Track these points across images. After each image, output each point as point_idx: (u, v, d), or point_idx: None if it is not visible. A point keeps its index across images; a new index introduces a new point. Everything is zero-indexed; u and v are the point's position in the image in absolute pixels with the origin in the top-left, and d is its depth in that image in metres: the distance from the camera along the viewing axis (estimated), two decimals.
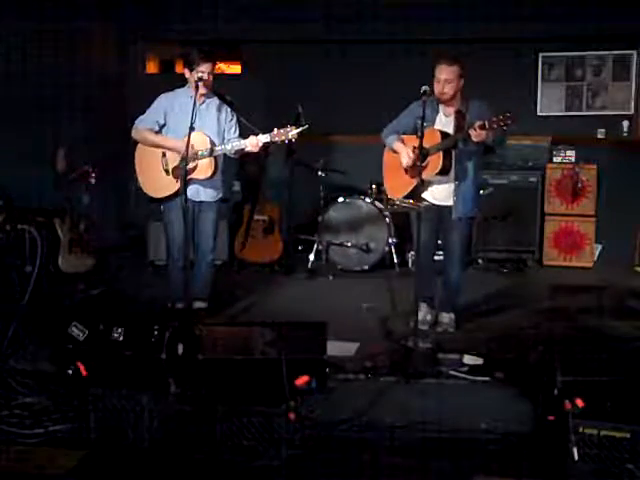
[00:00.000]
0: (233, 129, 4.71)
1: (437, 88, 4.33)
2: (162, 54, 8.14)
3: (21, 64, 5.69)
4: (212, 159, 4.50)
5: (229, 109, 4.72)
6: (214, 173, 4.55)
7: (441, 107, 4.45)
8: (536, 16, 6.62)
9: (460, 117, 4.41)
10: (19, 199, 5.03)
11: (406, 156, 4.48)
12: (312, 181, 6.62)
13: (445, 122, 4.42)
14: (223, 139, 4.66)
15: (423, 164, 4.14)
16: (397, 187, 4.56)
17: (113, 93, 7.15)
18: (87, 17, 6.67)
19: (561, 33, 6.83)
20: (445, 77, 4.31)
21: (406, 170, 4.52)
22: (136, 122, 4.68)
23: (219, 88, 4.74)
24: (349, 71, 7.03)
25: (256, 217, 6.53)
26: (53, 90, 6.01)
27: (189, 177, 4.29)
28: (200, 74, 4.42)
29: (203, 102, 4.60)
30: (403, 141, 4.56)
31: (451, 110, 4.44)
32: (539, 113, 7.16)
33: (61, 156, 5.81)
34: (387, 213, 6.17)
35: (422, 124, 4.05)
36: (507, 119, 4.02)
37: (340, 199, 6.41)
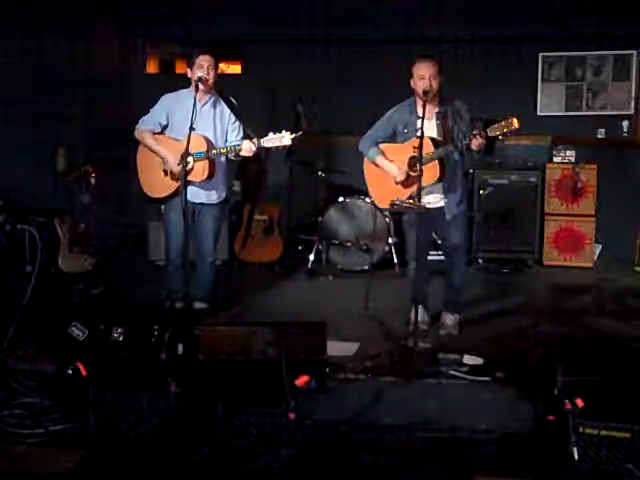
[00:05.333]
0: (236, 132, 4.70)
1: (422, 86, 4.20)
2: (162, 54, 8.14)
3: (21, 64, 5.69)
4: (207, 162, 4.48)
5: (232, 112, 4.71)
6: (210, 175, 4.52)
7: (419, 110, 4.27)
8: (536, 16, 6.62)
9: (444, 120, 4.34)
10: (19, 199, 5.03)
11: (397, 171, 4.39)
12: (312, 181, 6.63)
13: (427, 125, 4.23)
14: (225, 142, 4.65)
15: (417, 173, 4.04)
16: (388, 198, 4.28)
17: (113, 93, 7.15)
18: (87, 17, 6.67)
19: (561, 33, 6.83)
20: (430, 73, 4.22)
21: (397, 181, 4.46)
22: (139, 122, 4.69)
23: (221, 89, 4.75)
24: (349, 71, 7.03)
25: (256, 217, 6.53)
26: (53, 90, 6.01)
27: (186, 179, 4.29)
28: (200, 74, 4.43)
29: (205, 103, 4.60)
30: (385, 154, 4.50)
31: (432, 112, 4.32)
32: (539, 113, 7.16)
33: (61, 156, 5.81)
34: (387, 213, 6.16)
35: (422, 126, 4.04)
36: (510, 125, 3.94)
37: (340, 199, 6.41)
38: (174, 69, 8.18)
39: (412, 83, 4.32)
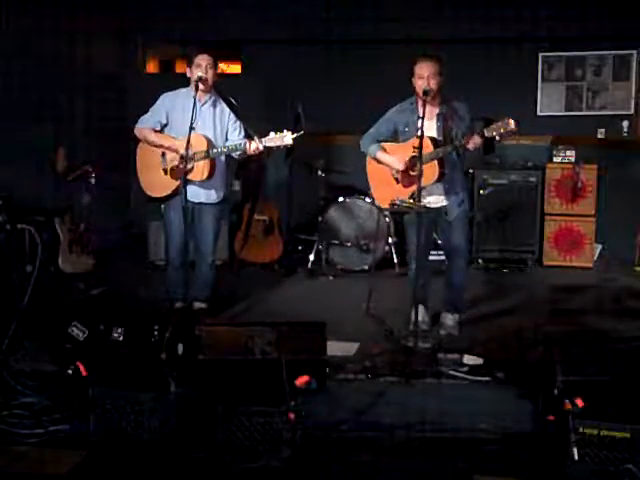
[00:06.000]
0: (237, 131, 4.70)
1: (421, 85, 4.21)
2: (162, 54, 8.15)
3: (21, 64, 5.69)
4: (208, 161, 4.47)
5: (231, 112, 4.71)
6: (210, 175, 4.52)
7: (420, 110, 4.21)
8: (536, 16, 6.63)
9: (445, 120, 4.34)
10: (19, 199, 5.03)
11: (397, 165, 4.42)
12: (312, 181, 6.63)
13: (428, 125, 4.23)
14: (226, 140, 4.66)
15: (417, 173, 4.06)
16: (388, 197, 4.35)
17: (113, 93, 7.16)
18: (87, 17, 6.67)
19: (561, 33, 6.84)
20: (429, 72, 4.21)
21: (397, 179, 4.47)
22: (139, 121, 4.69)
23: (221, 89, 4.75)
24: (349, 71, 7.03)
25: (256, 217, 6.53)
26: (53, 90, 6.01)
27: (187, 178, 4.29)
28: (199, 73, 4.43)
29: (205, 103, 4.60)
30: (386, 150, 4.51)
31: (432, 112, 4.33)
32: (539, 113, 7.17)
33: (61, 156, 5.80)
34: (387, 213, 6.16)
35: (422, 126, 4.02)
36: (507, 126, 3.95)
37: (340, 199, 6.41)
38: (174, 69, 8.19)
39: (413, 82, 4.32)
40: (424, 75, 4.22)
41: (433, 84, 4.22)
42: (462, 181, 4.57)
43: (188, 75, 4.57)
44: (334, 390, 3.59)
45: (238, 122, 4.72)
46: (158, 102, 4.69)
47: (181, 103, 4.57)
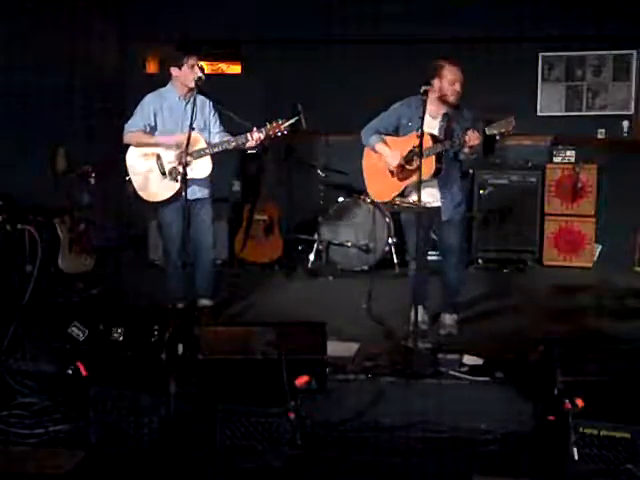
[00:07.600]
0: (217, 122, 4.74)
1: (450, 90, 4.27)
2: (162, 54, 8.14)
3: (21, 64, 5.69)
4: (209, 157, 4.50)
5: (211, 104, 4.73)
6: (211, 170, 4.55)
7: (427, 108, 4.17)
8: (536, 16, 6.62)
9: (449, 121, 4.35)
10: (19, 199, 5.03)
11: (393, 158, 4.41)
12: (312, 181, 6.63)
13: (431, 123, 4.27)
14: (209, 134, 4.66)
15: (413, 167, 4.09)
16: (382, 191, 4.41)
17: (113, 93, 7.15)
18: (87, 17, 6.67)
19: (561, 33, 6.84)
20: (459, 77, 4.28)
21: (392, 173, 4.46)
22: (126, 127, 4.64)
23: (215, 87, 4.76)
24: (348, 71, 7.03)
25: (256, 217, 6.53)
26: (53, 90, 6.01)
27: (188, 177, 4.29)
28: (199, 74, 4.43)
29: (189, 100, 4.59)
30: (386, 142, 4.50)
31: (438, 112, 4.36)
32: (539, 113, 7.16)
33: (61, 156, 5.80)
34: (387, 213, 6.16)
35: (422, 124, 4.02)
36: (509, 125, 3.96)
37: (340, 199, 6.41)
38: None
39: (436, 83, 4.29)
40: (454, 80, 4.27)
41: (460, 88, 4.30)
42: (460, 182, 4.56)
43: (175, 75, 4.56)
44: (334, 390, 3.59)
45: (216, 113, 4.74)
46: (145, 104, 4.64)
47: (166, 103, 4.60)
